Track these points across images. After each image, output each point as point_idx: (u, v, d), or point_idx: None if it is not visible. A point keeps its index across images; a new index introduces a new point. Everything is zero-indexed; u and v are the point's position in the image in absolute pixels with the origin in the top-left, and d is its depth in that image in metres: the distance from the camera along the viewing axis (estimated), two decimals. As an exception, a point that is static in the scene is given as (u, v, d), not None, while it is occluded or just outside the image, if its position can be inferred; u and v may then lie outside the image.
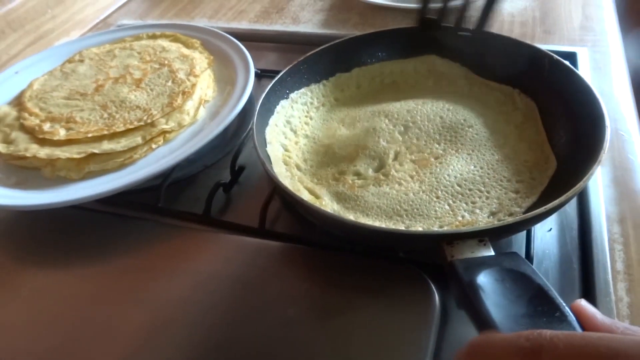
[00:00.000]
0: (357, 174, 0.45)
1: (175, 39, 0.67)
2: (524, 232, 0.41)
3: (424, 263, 0.41)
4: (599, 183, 0.45)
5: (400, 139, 0.47)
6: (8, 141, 0.52)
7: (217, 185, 0.48)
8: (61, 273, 0.44)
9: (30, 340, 0.40)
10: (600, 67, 0.60)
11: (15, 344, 0.40)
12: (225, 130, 0.51)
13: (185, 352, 0.37)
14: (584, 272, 0.39)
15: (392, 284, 0.39)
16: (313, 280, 0.41)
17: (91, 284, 0.43)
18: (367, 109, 0.52)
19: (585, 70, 0.59)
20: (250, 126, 0.55)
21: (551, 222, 0.43)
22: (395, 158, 0.45)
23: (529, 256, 0.39)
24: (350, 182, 0.44)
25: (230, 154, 0.51)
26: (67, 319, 0.40)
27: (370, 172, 0.45)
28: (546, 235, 0.42)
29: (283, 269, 0.42)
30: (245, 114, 0.56)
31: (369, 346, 0.35)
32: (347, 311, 0.38)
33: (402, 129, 0.47)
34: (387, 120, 0.48)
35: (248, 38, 0.68)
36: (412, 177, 0.43)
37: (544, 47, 0.63)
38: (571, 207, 0.44)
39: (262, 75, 0.64)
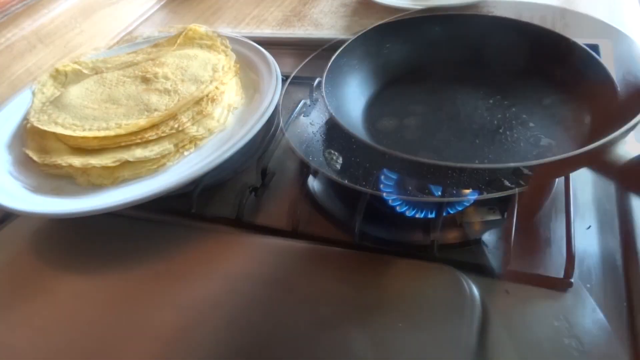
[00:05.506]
0: None
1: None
2: (564, 230, 0.40)
3: (462, 262, 0.40)
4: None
5: None
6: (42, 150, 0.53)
7: (248, 189, 0.48)
8: (96, 278, 0.45)
9: (67, 343, 0.40)
10: (624, 59, 0.58)
11: (52, 347, 0.40)
12: (254, 135, 0.51)
13: (218, 353, 0.37)
14: (628, 270, 0.38)
15: (430, 285, 0.38)
16: (346, 281, 0.40)
17: (126, 288, 0.43)
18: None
19: (608, 62, 0.57)
20: (273, 130, 0.56)
21: (590, 219, 0.42)
22: None
23: (569, 254, 0.38)
24: None
25: (261, 159, 0.51)
26: (102, 323, 0.41)
27: None
28: (586, 233, 0.41)
29: (315, 270, 0.42)
30: (270, 119, 0.56)
31: (407, 347, 0.35)
32: (383, 312, 0.37)
33: None
34: None
35: (271, 44, 0.68)
36: None
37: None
38: (610, 202, 0.43)
39: (286, 80, 0.65)
